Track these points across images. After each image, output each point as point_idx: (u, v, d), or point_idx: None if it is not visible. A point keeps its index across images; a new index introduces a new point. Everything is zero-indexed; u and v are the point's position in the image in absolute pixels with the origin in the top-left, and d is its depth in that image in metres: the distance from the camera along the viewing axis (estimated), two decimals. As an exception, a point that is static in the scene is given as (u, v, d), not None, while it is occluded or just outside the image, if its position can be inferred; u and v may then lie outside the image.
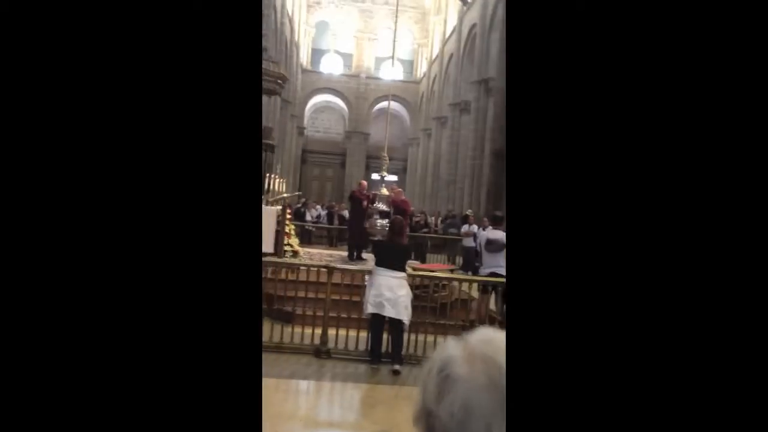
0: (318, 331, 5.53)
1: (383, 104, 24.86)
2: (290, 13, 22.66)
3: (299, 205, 15.86)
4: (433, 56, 26.33)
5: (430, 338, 5.55)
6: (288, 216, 8.60)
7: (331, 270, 5.75)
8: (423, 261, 11.71)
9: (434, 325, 5.70)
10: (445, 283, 6.78)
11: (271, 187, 9.18)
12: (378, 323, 5.24)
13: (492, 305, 6.67)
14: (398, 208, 8.90)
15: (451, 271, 9.05)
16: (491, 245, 6.77)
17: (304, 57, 28.09)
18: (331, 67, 29.38)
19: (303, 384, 4.92)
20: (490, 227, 7.83)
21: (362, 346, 5.48)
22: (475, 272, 8.52)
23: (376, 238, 8.08)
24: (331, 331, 5.56)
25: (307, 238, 14.14)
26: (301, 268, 6.32)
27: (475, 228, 11.32)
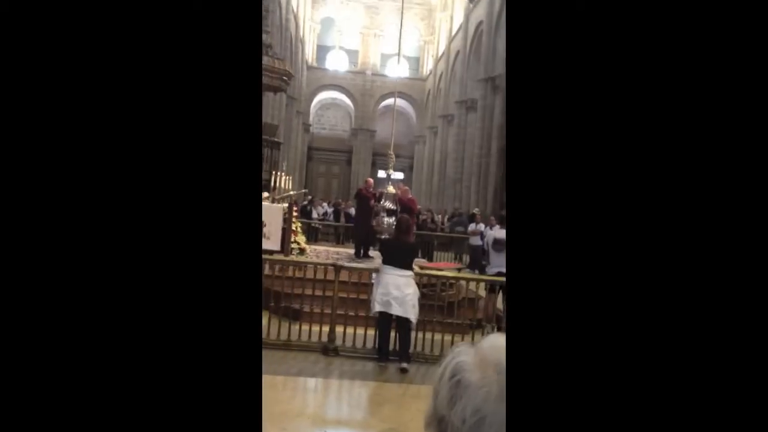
0: (325, 328, 5.55)
1: (389, 101, 24.81)
2: (295, 10, 22.66)
3: (306, 203, 15.89)
4: (440, 53, 26.27)
5: (438, 337, 5.56)
6: (294, 213, 8.61)
7: (338, 268, 5.77)
8: (430, 259, 11.71)
9: (442, 324, 5.71)
10: (453, 282, 6.78)
11: (278, 184, 9.19)
12: (385, 321, 5.25)
13: (499, 304, 6.67)
14: (405, 206, 8.90)
15: (458, 269, 9.04)
16: (498, 244, 6.77)
17: (310, 53, 28.09)
18: (336, 63, 29.35)
19: (311, 382, 4.93)
20: (497, 226, 7.83)
21: (370, 344, 5.49)
22: (482, 271, 8.51)
23: (383, 237, 8.09)
24: (339, 329, 5.57)
25: (313, 235, 14.16)
26: (308, 265, 6.34)
27: (482, 227, 11.31)
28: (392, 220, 8.47)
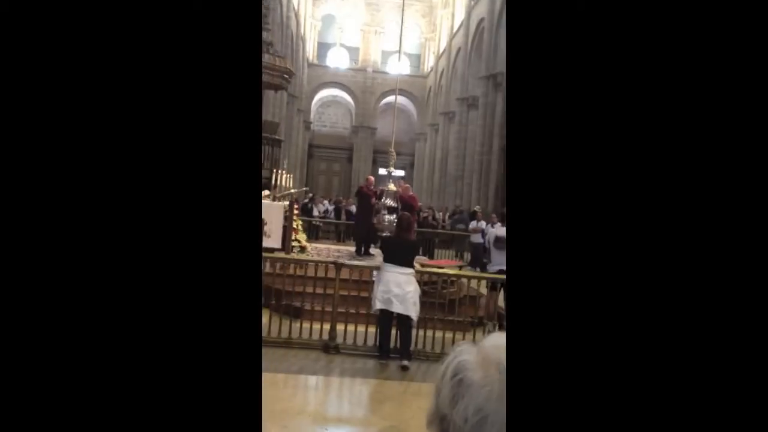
0: (326, 326, 5.55)
1: (390, 98, 24.82)
2: (296, 7, 22.64)
3: (306, 201, 15.89)
4: (441, 50, 26.25)
5: (439, 334, 5.57)
6: (295, 211, 8.61)
7: (339, 266, 5.77)
8: (431, 257, 11.72)
9: (443, 321, 5.71)
10: (454, 279, 6.78)
11: (278, 182, 9.19)
12: (386, 319, 5.26)
13: (501, 302, 6.68)
14: (406, 203, 8.90)
15: (460, 267, 9.05)
16: (499, 242, 6.77)
17: (311, 51, 28.07)
18: (337, 61, 29.34)
19: (311, 379, 4.94)
20: (499, 224, 7.83)
21: (371, 342, 5.49)
22: (484, 269, 8.52)
23: (384, 234, 8.09)
24: (340, 327, 5.57)
25: (314, 233, 14.17)
26: (309, 263, 6.34)
27: (483, 224, 11.32)
28: (393, 217, 8.48)
